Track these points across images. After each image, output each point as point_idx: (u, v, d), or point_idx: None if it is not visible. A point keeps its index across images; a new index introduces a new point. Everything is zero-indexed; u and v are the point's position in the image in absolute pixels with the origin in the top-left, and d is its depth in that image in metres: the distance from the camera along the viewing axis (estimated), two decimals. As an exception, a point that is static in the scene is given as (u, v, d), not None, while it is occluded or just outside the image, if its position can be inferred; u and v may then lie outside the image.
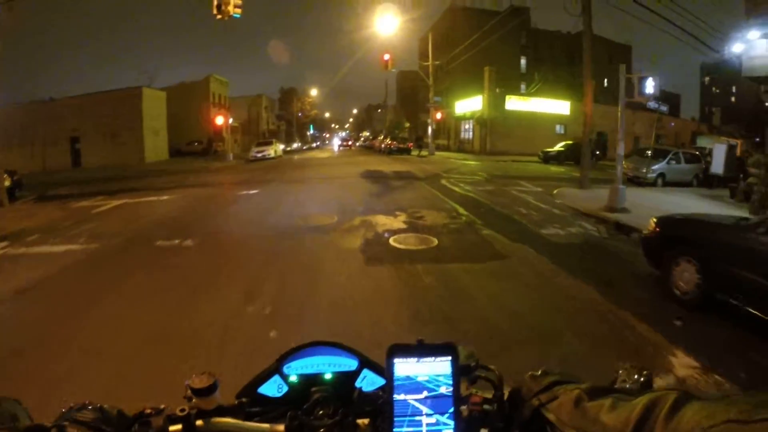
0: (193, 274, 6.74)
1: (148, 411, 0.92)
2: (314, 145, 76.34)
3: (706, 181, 24.41)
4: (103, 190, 17.18)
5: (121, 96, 39.80)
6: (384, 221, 9.74)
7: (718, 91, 77.82)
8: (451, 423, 0.85)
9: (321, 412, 0.96)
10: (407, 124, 70.92)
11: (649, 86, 12.99)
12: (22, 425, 0.86)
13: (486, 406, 0.94)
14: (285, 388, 1.08)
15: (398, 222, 9.71)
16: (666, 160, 22.78)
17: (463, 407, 0.91)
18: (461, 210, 11.44)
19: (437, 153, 38.71)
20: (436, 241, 8.07)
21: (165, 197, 14.83)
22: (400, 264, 6.86)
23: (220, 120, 37.45)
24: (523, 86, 52.99)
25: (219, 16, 13.90)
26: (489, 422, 0.93)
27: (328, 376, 1.10)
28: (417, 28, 49.01)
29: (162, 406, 0.92)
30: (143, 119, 39.90)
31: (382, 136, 55.78)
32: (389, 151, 41.27)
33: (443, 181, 17.86)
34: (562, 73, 53.58)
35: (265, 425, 0.96)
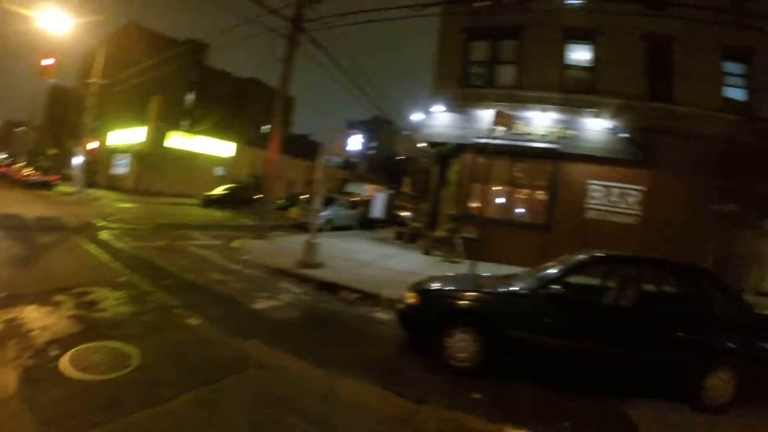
0: None
1: None
2: None
3: (366, 223, 27.04)
4: None
5: None
6: (42, 319, 6.11)
7: (363, 142, 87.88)
8: None
9: None
10: (52, 151, 59.60)
11: (354, 143, 12.78)
12: None
13: None
14: None
15: (64, 318, 6.25)
16: (333, 207, 24.34)
17: None
18: (145, 284, 8.70)
19: (87, 190, 33.10)
20: (135, 355, 5.23)
21: None
22: (96, 426, 3.86)
23: None
24: (186, 122, 50.81)
25: None
26: None
27: None
28: (85, 40, 41.95)
29: None
30: None
31: (24, 163, 45.48)
32: (29, 184, 33.48)
33: (104, 234, 14.44)
34: (227, 113, 53.42)
35: None
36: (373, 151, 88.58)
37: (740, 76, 17.01)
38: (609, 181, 16.53)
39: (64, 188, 33.57)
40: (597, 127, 16.46)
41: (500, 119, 12.48)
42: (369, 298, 9.49)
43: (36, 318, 6.21)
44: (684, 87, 16.67)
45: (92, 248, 11.93)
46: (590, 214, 16.57)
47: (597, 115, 16.41)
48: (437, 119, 18.26)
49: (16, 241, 11.72)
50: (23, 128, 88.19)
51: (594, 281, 7.07)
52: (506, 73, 18.10)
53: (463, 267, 13.55)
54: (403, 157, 63.06)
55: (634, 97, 16.59)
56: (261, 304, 8.33)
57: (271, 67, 17.21)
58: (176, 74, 42.14)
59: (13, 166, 45.88)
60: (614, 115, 16.30)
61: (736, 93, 16.94)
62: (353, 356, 6.24)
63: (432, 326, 6.24)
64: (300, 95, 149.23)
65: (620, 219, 16.31)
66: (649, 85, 16.94)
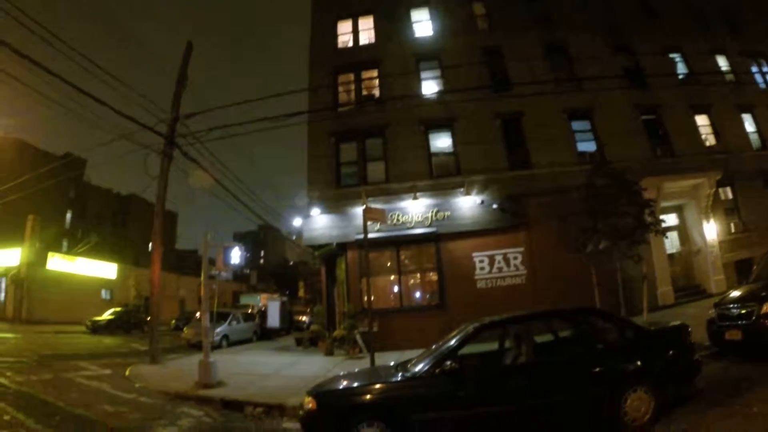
0: None
1: None
2: None
3: (264, 335, 26.49)
4: None
5: None
6: None
7: (248, 254, 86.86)
8: None
9: None
10: None
11: (235, 256, 12.85)
12: None
13: None
14: None
15: None
16: (228, 322, 23.98)
17: None
18: (31, 422, 7.99)
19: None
20: None
21: None
22: None
23: None
24: (65, 244, 47.74)
25: None
26: None
27: None
28: None
29: None
30: None
31: None
32: None
33: (-19, 369, 13.13)
34: (108, 233, 51.08)
35: None
36: (262, 260, 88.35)
37: (587, 131, 19.97)
38: (491, 250, 17.81)
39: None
40: (468, 204, 17.97)
41: (370, 215, 13.15)
42: (275, 409, 9.22)
43: None
44: (539, 151, 19.15)
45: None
46: (481, 285, 17.58)
47: (466, 193, 17.82)
48: (316, 222, 18.92)
49: None
50: None
51: (492, 347, 7.44)
52: (376, 169, 19.59)
53: (366, 362, 13.61)
54: (293, 263, 62.97)
55: (496, 170, 18.59)
56: (157, 433, 7.81)
57: (150, 183, 16.83)
58: (54, 191, 39.91)
59: None
60: (482, 190, 17.87)
61: (586, 146, 19.85)
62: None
63: (335, 428, 6.12)
64: (184, 210, 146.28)
65: (509, 282, 17.58)
66: (508, 156, 19.21)
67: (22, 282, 36.06)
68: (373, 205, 15.43)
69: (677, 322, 7.42)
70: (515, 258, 17.66)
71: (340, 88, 21.25)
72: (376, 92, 20.84)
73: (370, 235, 13.56)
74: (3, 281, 38.00)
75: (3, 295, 38.16)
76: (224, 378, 11.98)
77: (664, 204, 17.54)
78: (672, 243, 19.07)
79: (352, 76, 21.27)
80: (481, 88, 18.71)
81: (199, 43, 17.73)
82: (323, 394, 6.67)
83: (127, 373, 13.87)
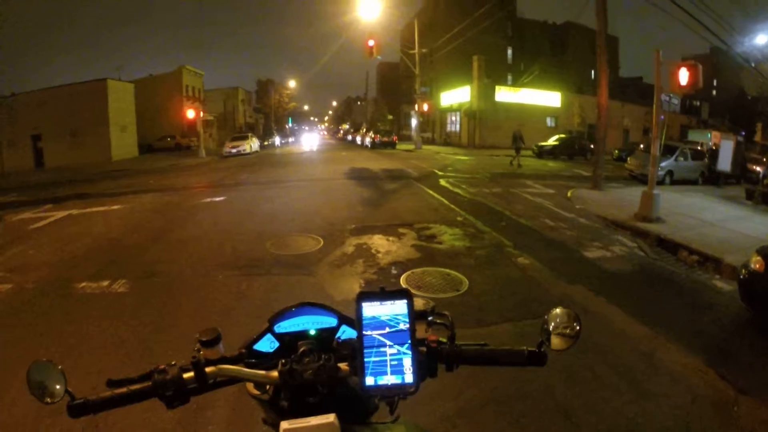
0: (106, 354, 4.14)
1: (162, 367, 1.05)
2: (290, 140, 72.68)
3: (711, 178, 23.27)
4: (53, 197, 14.46)
5: (84, 89, 36.03)
6: (386, 245, 7.32)
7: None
8: (410, 353, 1.03)
9: (307, 360, 1.07)
10: (390, 117, 68.71)
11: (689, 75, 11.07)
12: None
13: (442, 346, 1.12)
14: (276, 345, 1.21)
15: (406, 246, 7.29)
16: (674, 157, 21.57)
17: (422, 347, 1.10)
18: (479, 224, 9.24)
19: (424, 147, 36.64)
20: (465, 282, 5.68)
21: (116, 206, 12.12)
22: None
23: (191, 113, 34.67)
24: (509, 77, 51.60)
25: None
26: (443, 357, 1.11)
27: (312, 332, 1.22)
28: (399, 16, 46.81)
29: (173, 362, 1.07)
30: (109, 114, 36.20)
31: (365, 129, 52.13)
32: (373, 145, 39.27)
33: (442, 182, 15.77)
34: (548, 63, 52.29)
35: (261, 371, 1.10)
36: (714, 91, 76.41)
37: None
38: None
39: (404, 146, 37.91)
40: None
41: None
42: (710, 262, 7.97)
43: (381, 245, 7.40)
44: None
45: (432, 192, 13.25)
46: None
47: None
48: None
49: (367, 188, 14.16)
50: (360, 102, 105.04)
51: None
52: None
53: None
54: (751, 97, 52.93)
55: None
56: (591, 253, 7.88)
57: (584, 6, 15.92)
58: (491, 31, 42.93)
59: (357, 132, 54.10)
60: None
61: None
62: (682, 322, 5.32)
63: None
64: (626, 35, 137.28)
65: None
66: None
67: (474, 114, 41.64)
68: None
69: None
70: None
71: None
72: None
73: None
74: (458, 114, 45.17)
75: (459, 126, 45.74)
76: (663, 215, 11.10)
77: None
78: None
79: None
80: None
81: None
82: None
83: (568, 194, 14.28)
